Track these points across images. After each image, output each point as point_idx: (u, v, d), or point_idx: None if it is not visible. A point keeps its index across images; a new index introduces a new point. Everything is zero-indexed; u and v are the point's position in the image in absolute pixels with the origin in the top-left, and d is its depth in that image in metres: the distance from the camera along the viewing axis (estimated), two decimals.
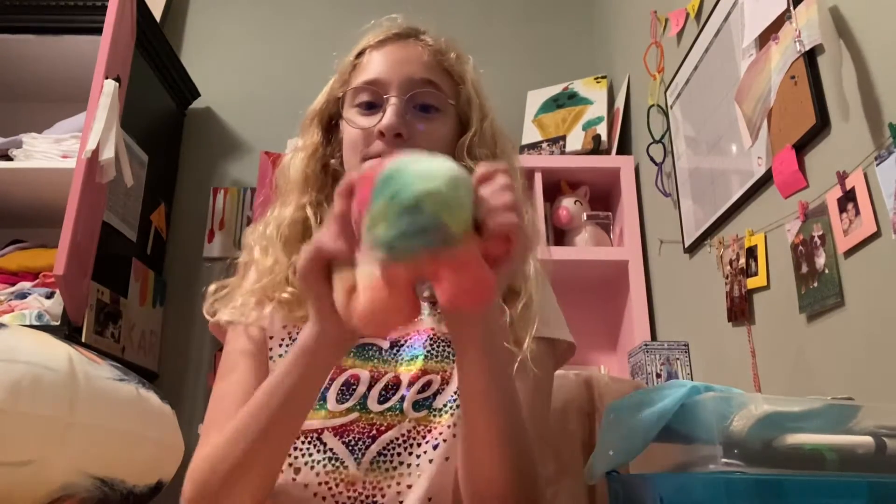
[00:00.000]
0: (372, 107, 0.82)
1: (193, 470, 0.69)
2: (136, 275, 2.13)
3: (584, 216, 2.18)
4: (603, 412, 0.64)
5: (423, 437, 0.74)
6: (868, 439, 0.52)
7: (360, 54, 0.86)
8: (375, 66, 0.83)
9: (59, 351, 0.48)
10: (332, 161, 0.86)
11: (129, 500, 0.51)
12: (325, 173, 0.86)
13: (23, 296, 1.86)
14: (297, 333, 0.78)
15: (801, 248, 1.18)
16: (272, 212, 0.86)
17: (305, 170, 0.85)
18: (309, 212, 0.82)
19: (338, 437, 0.74)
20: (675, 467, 0.60)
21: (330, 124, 0.88)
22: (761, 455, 0.51)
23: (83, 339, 1.77)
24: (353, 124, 0.81)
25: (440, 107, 0.82)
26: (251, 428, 0.66)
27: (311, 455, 0.74)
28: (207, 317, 0.83)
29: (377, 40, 0.85)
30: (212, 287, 0.83)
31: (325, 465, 0.73)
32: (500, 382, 0.64)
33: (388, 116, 0.78)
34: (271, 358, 0.80)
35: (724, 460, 0.50)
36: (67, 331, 1.73)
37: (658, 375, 1.72)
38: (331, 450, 0.74)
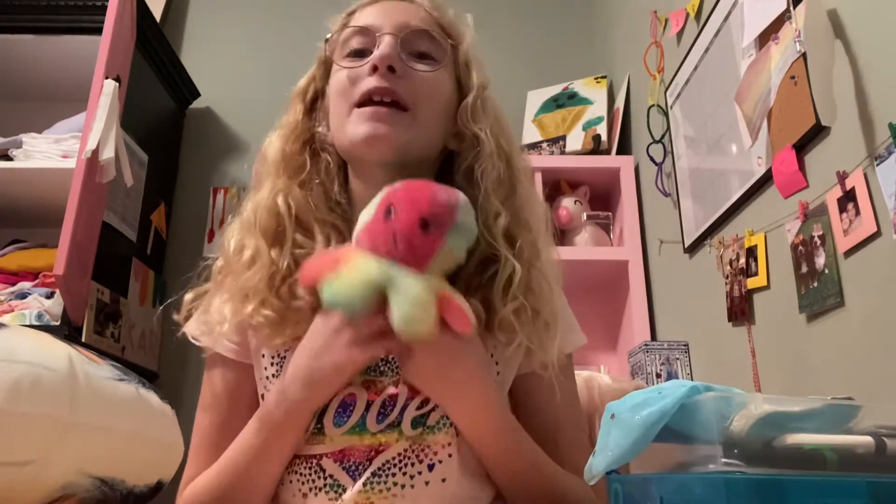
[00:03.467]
0: (363, 55, 0.76)
1: None
2: (136, 275, 2.13)
3: (584, 216, 2.18)
4: (603, 412, 0.64)
5: (419, 458, 0.70)
6: (868, 439, 0.52)
7: (350, 14, 0.81)
8: (367, 16, 0.78)
9: (59, 351, 0.48)
10: (319, 130, 0.81)
11: (129, 500, 0.51)
12: (304, 151, 0.80)
13: (23, 296, 1.86)
14: (286, 352, 0.75)
15: (801, 248, 1.18)
16: (249, 198, 0.81)
17: (284, 148, 0.80)
18: (279, 200, 0.77)
19: (337, 463, 0.71)
20: (675, 467, 0.60)
21: (314, 100, 0.83)
22: (761, 455, 0.51)
23: (83, 339, 1.77)
24: (344, 65, 0.76)
25: (437, 58, 0.77)
26: (232, 484, 0.71)
27: (313, 482, 0.71)
28: (188, 335, 0.79)
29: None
30: (189, 296, 0.79)
31: (326, 492, 0.70)
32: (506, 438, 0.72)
33: (381, 48, 0.73)
34: (268, 377, 0.76)
35: (723, 460, 0.50)
36: (67, 331, 1.73)
37: (658, 375, 1.71)
38: (330, 476, 0.71)
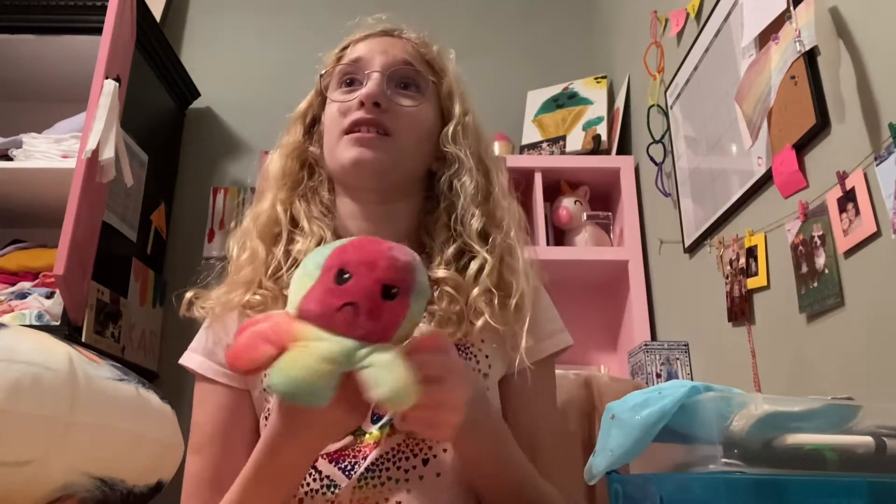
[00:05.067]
0: (354, 84, 0.84)
1: None
2: (136, 275, 2.13)
3: (584, 216, 2.18)
4: (603, 412, 0.64)
5: (413, 452, 0.71)
6: (868, 439, 0.52)
7: (343, 49, 0.89)
8: (359, 49, 0.86)
9: (59, 351, 0.48)
10: (312, 150, 0.88)
11: (129, 500, 0.51)
12: (302, 168, 0.88)
13: (23, 296, 1.86)
14: None
15: (801, 248, 1.18)
16: (250, 210, 0.88)
17: (284, 166, 0.87)
18: (279, 209, 0.84)
19: (333, 463, 0.71)
20: (675, 467, 0.60)
21: (312, 124, 0.90)
22: (761, 455, 0.51)
23: (83, 339, 1.77)
24: (335, 99, 0.84)
25: (421, 88, 0.84)
26: None
27: (309, 486, 0.72)
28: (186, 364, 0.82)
29: (361, 35, 0.88)
30: (189, 294, 0.81)
31: (323, 493, 0.71)
32: (499, 462, 0.72)
33: (368, 86, 0.80)
34: (264, 389, 0.77)
35: (724, 460, 0.50)
36: (67, 331, 1.73)
37: (658, 375, 1.72)
38: (327, 477, 0.71)
